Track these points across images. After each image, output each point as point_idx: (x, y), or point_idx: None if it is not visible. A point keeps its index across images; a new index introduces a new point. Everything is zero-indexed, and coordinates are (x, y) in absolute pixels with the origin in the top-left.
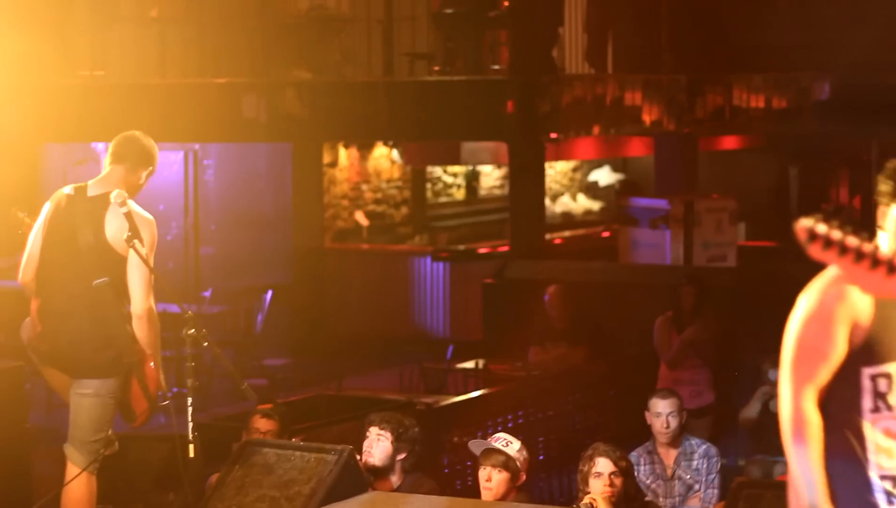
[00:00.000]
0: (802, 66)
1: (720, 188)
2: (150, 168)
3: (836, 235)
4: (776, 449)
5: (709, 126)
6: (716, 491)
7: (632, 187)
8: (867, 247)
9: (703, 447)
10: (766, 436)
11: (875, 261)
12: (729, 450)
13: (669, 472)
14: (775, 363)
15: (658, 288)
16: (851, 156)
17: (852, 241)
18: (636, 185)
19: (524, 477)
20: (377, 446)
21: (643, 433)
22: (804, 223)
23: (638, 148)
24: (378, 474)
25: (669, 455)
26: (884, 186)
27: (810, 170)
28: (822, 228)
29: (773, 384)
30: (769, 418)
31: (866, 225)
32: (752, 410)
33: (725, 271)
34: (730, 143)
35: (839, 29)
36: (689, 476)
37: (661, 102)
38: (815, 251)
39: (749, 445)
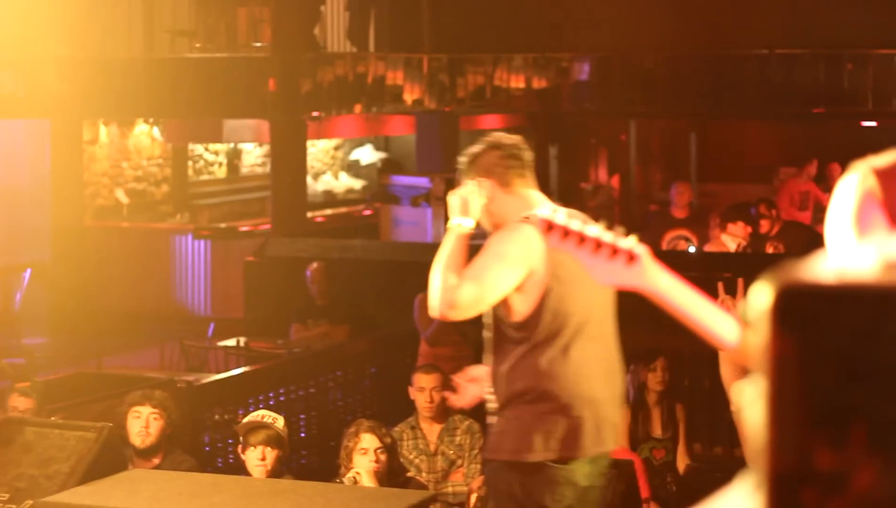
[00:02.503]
0: (563, 46)
1: None
2: None
3: (574, 225)
4: None
5: (469, 105)
6: (479, 467)
7: (394, 166)
8: (605, 236)
9: (467, 422)
10: None
11: (613, 250)
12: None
13: (433, 447)
14: None
15: (419, 265)
16: (610, 136)
17: (590, 230)
18: (398, 163)
19: (288, 452)
20: (153, 425)
21: (405, 410)
22: (543, 215)
23: (400, 127)
24: (142, 453)
25: (433, 431)
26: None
27: (570, 149)
28: (559, 218)
29: None
30: None
31: (626, 202)
32: None
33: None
34: (491, 122)
35: (598, 9)
36: (452, 452)
37: (422, 81)
38: (553, 241)
39: None
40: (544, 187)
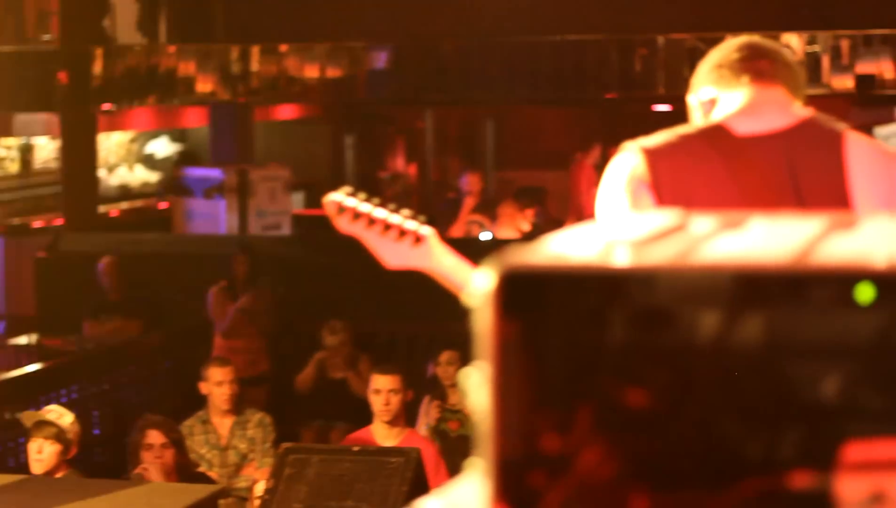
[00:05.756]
0: (357, 35)
1: (277, 158)
2: None
3: (364, 207)
4: (332, 414)
5: (264, 96)
6: (270, 460)
7: (191, 158)
8: (393, 218)
9: (258, 416)
10: (322, 402)
11: (401, 232)
12: (286, 417)
13: (224, 441)
14: (331, 329)
15: (212, 258)
16: (407, 124)
17: (379, 212)
18: (195, 155)
19: (76, 451)
20: None
21: (200, 404)
22: (332, 197)
23: (195, 118)
24: None
25: (224, 425)
26: None
27: (366, 138)
28: (350, 200)
29: (329, 350)
30: (325, 384)
31: (423, 191)
32: (308, 376)
33: (280, 239)
34: (286, 112)
35: None
36: (244, 445)
37: (215, 72)
38: (343, 223)
39: (306, 411)
40: (340, 177)
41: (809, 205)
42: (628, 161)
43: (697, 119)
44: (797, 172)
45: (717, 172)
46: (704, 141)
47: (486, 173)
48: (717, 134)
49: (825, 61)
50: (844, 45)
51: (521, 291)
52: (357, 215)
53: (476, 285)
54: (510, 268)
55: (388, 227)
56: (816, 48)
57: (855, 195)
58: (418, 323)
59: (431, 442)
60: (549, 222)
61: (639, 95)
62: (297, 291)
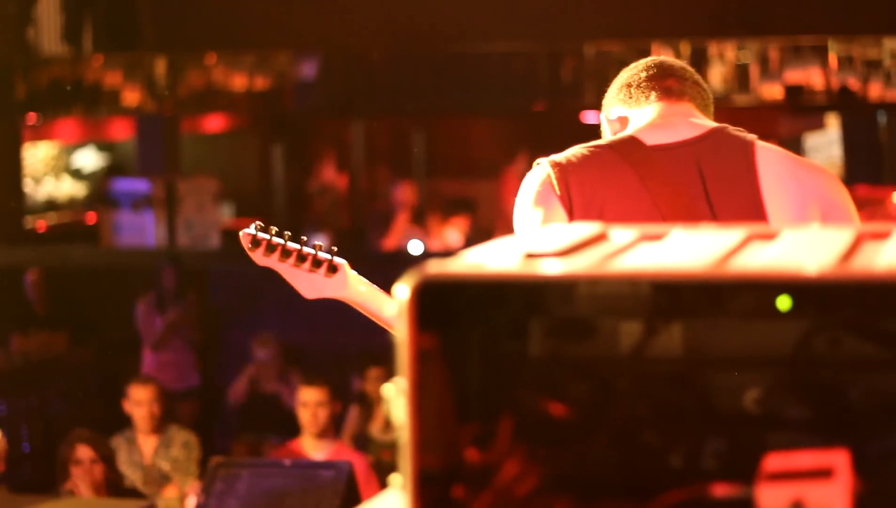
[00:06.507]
0: (285, 45)
1: (205, 170)
2: None
3: (277, 240)
4: (265, 427)
5: (191, 107)
6: (193, 481)
7: (118, 170)
8: (307, 249)
9: (183, 436)
10: (254, 415)
11: (316, 262)
12: (217, 431)
13: (147, 461)
14: (262, 342)
15: (141, 271)
16: (336, 135)
17: (292, 244)
18: (123, 167)
19: (4, 467)
20: None
21: (129, 419)
22: (245, 231)
23: (123, 130)
24: None
25: (148, 444)
26: None
27: (295, 149)
28: (262, 234)
29: (259, 364)
30: (256, 397)
31: (354, 203)
32: (239, 389)
33: (208, 251)
34: (214, 124)
35: (321, 7)
36: (166, 466)
37: (142, 83)
38: (257, 257)
39: (237, 424)
40: (269, 190)
41: (721, 212)
42: (540, 175)
43: (608, 137)
44: (708, 179)
45: (629, 182)
46: (615, 153)
47: (418, 184)
48: (627, 146)
49: (754, 70)
50: (773, 53)
51: (437, 302)
52: (271, 248)
53: (395, 299)
54: (426, 279)
55: (301, 258)
56: (745, 57)
57: (767, 202)
58: (349, 335)
59: (361, 455)
60: (480, 232)
61: (568, 104)
62: (226, 303)
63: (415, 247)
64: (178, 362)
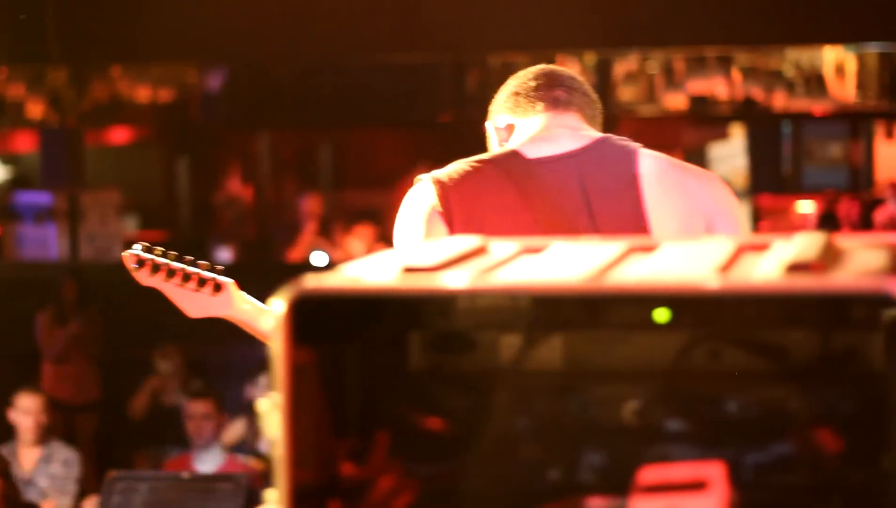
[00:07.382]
0: (193, 56)
1: (110, 182)
2: None
3: (162, 260)
4: (166, 440)
5: (95, 119)
6: (68, 502)
7: (22, 183)
8: (192, 269)
9: (65, 453)
10: (155, 428)
11: (201, 281)
12: (118, 443)
13: (27, 475)
14: (164, 354)
15: (43, 284)
16: (242, 147)
17: (177, 264)
18: (26, 180)
19: None
20: None
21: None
22: (129, 252)
23: (27, 143)
24: None
25: (29, 457)
26: None
27: (200, 162)
28: (147, 254)
29: (162, 377)
30: (158, 410)
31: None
32: (141, 402)
33: (111, 264)
34: (119, 136)
35: (228, 19)
36: (44, 482)
37: (45, 95)
38: (142, 277)
39: (139, 437)
40: (173, 203)
41: (603, 224)
42: (421, 191)
43: (494, 145)
44: (589, 191)
45: (509, 197)
46: (496, 168)
47: (324, 195)
48: (508, 160)
49: (658, 81)
50: (678, 64)
51: (313, 317)
52: (155, 268)
53: (272, 313)
54: (302, 293)
55: (186, 278)
56: (650, 68)
57: (649, 211)
58: (252, 347)
59: (254, 467)
60: (385, 242)
61: (472, 115)
62: (128, 316)
63: (319, 258)
64: (78, 375)
